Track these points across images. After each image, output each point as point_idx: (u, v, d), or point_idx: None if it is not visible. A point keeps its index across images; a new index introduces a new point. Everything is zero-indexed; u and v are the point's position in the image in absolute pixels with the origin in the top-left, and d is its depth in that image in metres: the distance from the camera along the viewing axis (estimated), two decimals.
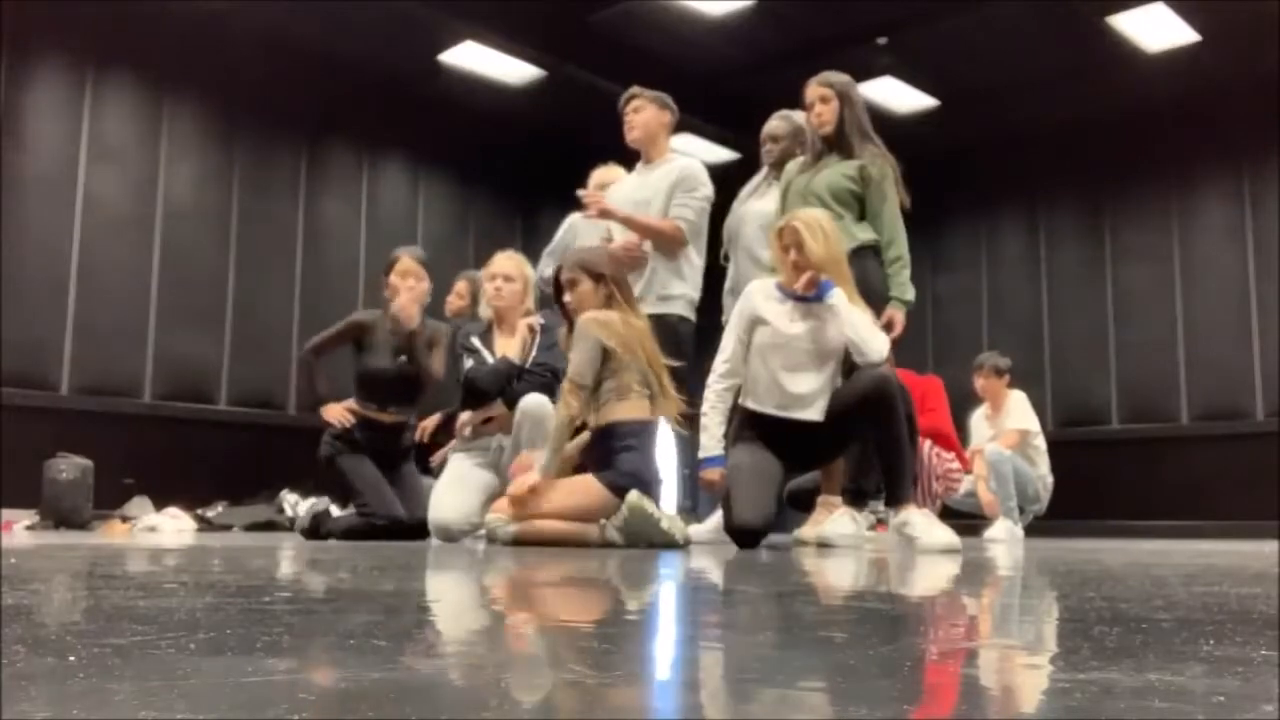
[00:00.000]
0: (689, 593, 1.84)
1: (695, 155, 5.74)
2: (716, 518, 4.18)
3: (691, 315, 4.66)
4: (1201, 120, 8.65)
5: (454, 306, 5.75)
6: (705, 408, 3.86)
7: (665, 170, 4.61)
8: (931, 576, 2.34)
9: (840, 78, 4.35)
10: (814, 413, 3.78)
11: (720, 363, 3.89)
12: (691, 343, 4.64)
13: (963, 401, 6.46)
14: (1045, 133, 9.24)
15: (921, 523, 3.60)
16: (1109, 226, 9.36)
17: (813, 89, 4.35)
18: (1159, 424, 8.82)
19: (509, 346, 4.41)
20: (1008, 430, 6.26)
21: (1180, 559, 3.20)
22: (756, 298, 3.87)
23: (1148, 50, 7.97)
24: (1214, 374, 8.63)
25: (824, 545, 3.92)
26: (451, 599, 1.67)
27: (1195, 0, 7.31)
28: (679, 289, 4.59)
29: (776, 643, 1.03)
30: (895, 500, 3.71)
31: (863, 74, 7.71)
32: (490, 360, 4.38)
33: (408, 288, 4.62)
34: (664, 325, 4.41)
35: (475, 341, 4.47)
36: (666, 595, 1.79)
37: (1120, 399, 9.10)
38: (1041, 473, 6.25)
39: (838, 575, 2.38)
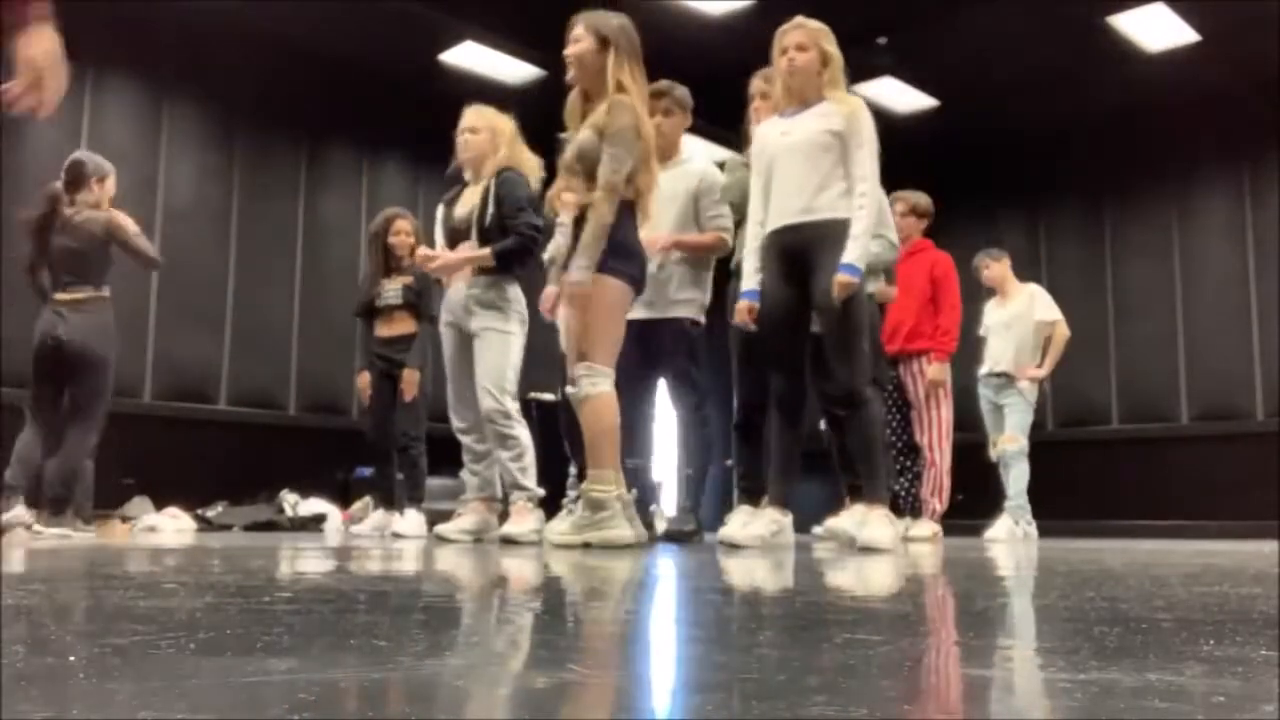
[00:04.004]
0: (689, 592, 1.84)
1: (695, 155, 5.72)
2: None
3: (702, 318, 4.67)
4: (1201, 120, 8.64)
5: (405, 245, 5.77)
6: (744, 253, 3.91)
7: (682, 172, 4.59)
8: (931, 577, 2.34)
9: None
10: (813, 214, 3.71)
11: (752, 212, 3.92)
12: (702, 344, 4.64)
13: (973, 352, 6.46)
14: (1045, 133, 9.23)
15: (873, 521, 3.61)
16: (1109, 225, 9.36)
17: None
18: (1159, 424, 8.82)
19: (469, 201, 4.46)
20: (1057, 322, 6.35)
21: (1180, 559, 3.20)
22: (761, 136, 3.94)
23: (1148, 50, 7.97)
24: (1214, 374, 8.63)
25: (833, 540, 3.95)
26: (452, 598, 1.67)
27: (1195, 0, 7.31)
28: (692, 293, 4.60)
29: (777, 642, 1.03)
30: (867, 499, 3.73)
31: (863, 74, 7.72)
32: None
33: None
34: (676, 328, 4.42)
35: (440, 209, 4.59)
36: (666, 595, 1.79)
37: (1120, 399, 9.10)
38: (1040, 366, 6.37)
39: (838, 575, 2.38)
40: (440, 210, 4.61)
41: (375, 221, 6.01)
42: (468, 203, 4.46)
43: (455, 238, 4.45)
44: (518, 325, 4.35)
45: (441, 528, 4.37)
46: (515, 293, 4.36)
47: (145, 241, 5.18)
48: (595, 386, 3.52)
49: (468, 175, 4.56)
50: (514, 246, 4.27)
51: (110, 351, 5.00)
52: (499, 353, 4.27)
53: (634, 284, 3.63)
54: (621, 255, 3.56)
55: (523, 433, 4.27)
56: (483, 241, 4.31)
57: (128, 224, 5.05)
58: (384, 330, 5.69)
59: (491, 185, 4.36)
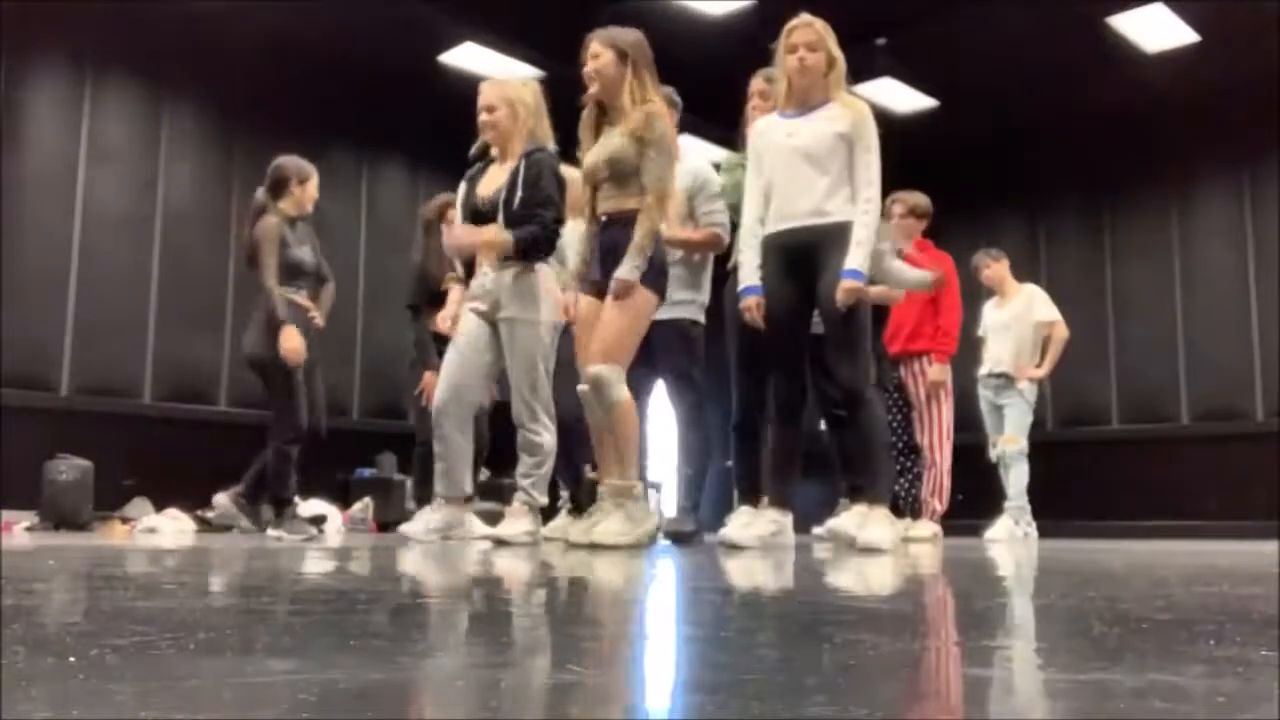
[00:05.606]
0: (689, 592, 1.84)
1: (695, 155, 5.73)
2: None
3: (701, 318, 4.66)
4: (1201, 120, 8.64)
5: None
6: (740, 246, 3.91)
7: (677, 171, 4.58)
8: (931, 577, 2.34)
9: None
10: (823, 217, 3.69)
11: (750, 209, 3.89)
12: (702, 345, 4.64)
13: (971, 355, 6.46)
14: (1045, 133, 9.23)
15: (873, 522, 3.61)
16: (1109, 226, 9.36)
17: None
18: (1159, 424, 8.82)
19: (495, 180, 4.24)
20: (1056, 322, 6.41)
21: (1180, 559, 3.20)
22: (762, 134, 3.91)
23: (1148, 50, 7.97)
24: (1214, 374, 8.63)
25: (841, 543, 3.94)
26: (452, 598, 1.67)
27: (1195, 0, 7.31)
28: (691, 294, 4.59)
29: (777, 642, 1.03)
30: (868, 500, 3.73)
31: (862, 74, 7.72)
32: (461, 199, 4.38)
33: None
34: (676, 329, 4.42)
35: (462, 186, 4.40)
36: (666, 595, 1.79)
37: (1120, 399, 9.09)
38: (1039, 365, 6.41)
39: (838, 576, 2.38)
40: (462, 187, 4.36)
41: (429, 208, 5.73)
42: (493, 182, 4.24)
43: (477, 218, 4.20)
44: (548, 313, 4.16)
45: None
46: (547, 277, 4.19)
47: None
48: (623, 393, 3.63)
49: (494, 152, 4.32)
50: (534, 236, 4.05)
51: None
52: (529, 348, 4.09)
53: (663, 298, 3.82)
54: (658, 270, 3.73)
55: (548, 439, 4.08)
56: (508, 224, 4.07)
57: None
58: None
59: (522, 166, 4.12)
